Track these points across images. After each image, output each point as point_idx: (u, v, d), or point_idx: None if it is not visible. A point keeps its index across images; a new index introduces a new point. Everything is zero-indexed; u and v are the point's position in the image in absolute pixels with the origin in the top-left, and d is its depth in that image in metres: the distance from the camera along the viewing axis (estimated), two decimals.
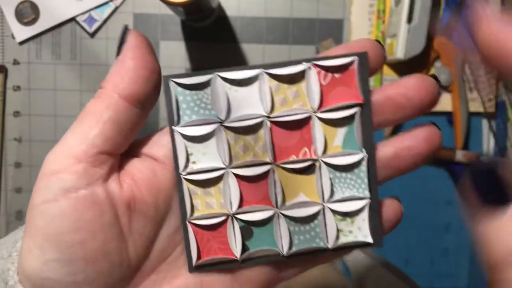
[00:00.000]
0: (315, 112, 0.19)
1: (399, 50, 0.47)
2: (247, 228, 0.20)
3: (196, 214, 0.20)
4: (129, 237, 0.18)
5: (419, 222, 0.54)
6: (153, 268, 0.19)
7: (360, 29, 0.51)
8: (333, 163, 0.19)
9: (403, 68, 0.51)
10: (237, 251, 0.19)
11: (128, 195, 0.18)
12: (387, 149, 0.19)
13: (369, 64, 0.19)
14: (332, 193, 0.19)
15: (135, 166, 0.19)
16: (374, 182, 0.20)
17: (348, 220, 0.20)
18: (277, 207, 0.19)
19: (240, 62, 0.52)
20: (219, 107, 0.19)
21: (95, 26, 0.51)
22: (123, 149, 0.18)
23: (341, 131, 0.19)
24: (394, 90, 0.19)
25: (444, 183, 0.54)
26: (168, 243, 0.20)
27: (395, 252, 0.54)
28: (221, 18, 0.52)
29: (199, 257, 0.19)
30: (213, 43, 0.52)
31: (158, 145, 0.19)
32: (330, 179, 0.19)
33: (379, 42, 0.19)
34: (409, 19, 0.47)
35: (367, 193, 0.19)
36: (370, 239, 0.20)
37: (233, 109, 0.19)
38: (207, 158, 0.19)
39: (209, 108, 0.19)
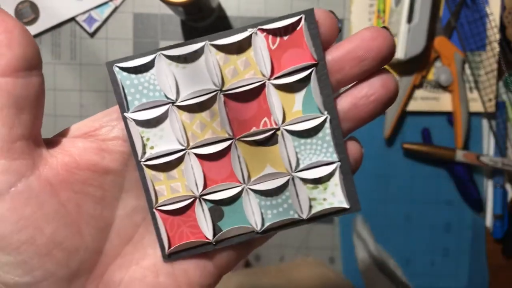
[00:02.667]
0: (268, 79, 0.18)
1: (399, 50, 0.47)
2: (217, 208, 0.19)
3: (161, 200, 0.19)
4: (80, 221, 0.18)
5: (419, 222, 0.54)
6: (117, 251, 0.19)
7: (360, 29, 0.51)
8: (295, 129, 0.18)
9: (403, 68, 0.51)
10: (209, 233, 0.19)
11: (68, 178, 0.17)
12: (345, 100, 0.19)
13: (319, 26, 0.18)
14: (298, 161, 0.19)
15: (78, 147, 0.18)
16: (341, 144, 0.19)
17: (320, 187, 0.19)
18: (244, 182, 0.19)
19: None
20: (167, 87, 0.18)
21: (95, 26, 0.51)
22: (39, 123, 0.17)
23: (299, 96, 0.18)
24: (351, 43, 0.18)
25: (444, 183, 0.54)
26: (127, 224, 0.19)
27: (395, 252, 0.54)
28: (221, 18, 0.52)
29: (170, 244, 0.19)
30: None
31: (108, 126, 0.18)
32: (295, 147, 0.19)
33: (332, 12, 0.18)
34: (409, 19, 0.47)
35: (335, 157, 0.19)
36: (346, 204, 0.19)
37: (183, 87, 0.18)
38: (165, 141, 0.19)
39: (158, 89, 0.18)
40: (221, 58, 0.18)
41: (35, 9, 0.51)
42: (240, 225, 0.19)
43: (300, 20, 0.18)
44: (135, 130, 0.18)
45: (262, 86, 0.18)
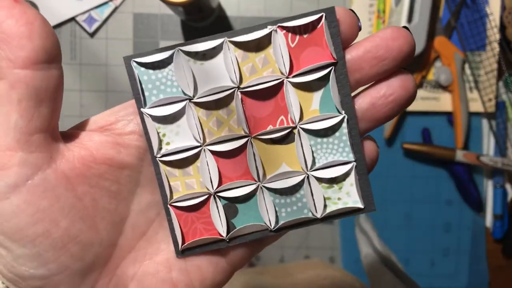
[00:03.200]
0: (287, 77, 0.18)
1: None
2: (231, 206, 0.19)
3: (176, 196, 0.19)
4: (96, 215, 0.18)
5: (419, 222, 0.54)
6: (131, 245, 0.19)
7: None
8: (312, 128, 0.18)
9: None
10: (223, 230, 0.19)
11: (84, 172, 0.17)
12: (363, 100, 0.18)
13: (339, 25, 0.18)
14: (314, 160, 0.18)
15: (94, 141, 0.18)
16: (357, 144, 0.18)
17: (335, 187, 0.19)
18: (259, 180, 0.19)
19: None
20: (185, 83, 0.18)
21: (95, 26, 0.51)
22: (57, 117, 0.17)
23: (317, 94, 0.18)
24: (371, 42, 0.18)
25: (444, 183, 0.54)
26: (142, 219, 0.19)
27: (395, 252, 0.54)
28: (221, 18, 0.52)
29: (184, 240, 0.19)
30: None
31: (125, 120, 0.18)
32: (311, 145, 0.18)
33: (353, 11, 0.18)
34: (409, 19, 0.47)
35: (351, 156, 0.18)
36: (360, 204, 0.19)
37: (201, 84, 0.18)
38: (181, 137, 0.18)
39: (176, 86, 0.18)
40: (239, 55, 0.18)
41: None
42: (254, 223, 0.19)
43: (321, 18, 0.18)
44: (152, 125, 0.18)
45: (281, 84, 0.18)
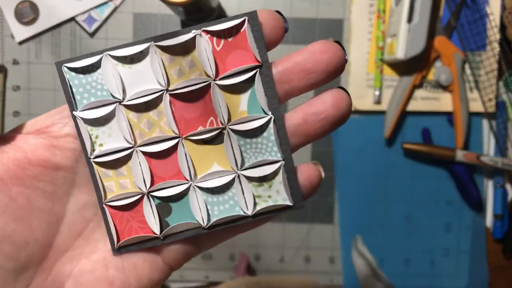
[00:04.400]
0: (213, 80, 0.19)
1: (399, 50, 0.47)
2: (164, 205, 0.20)
3: (110, 196, 0.19)
4: (31, 215, 0.18)
5: (419, 222, 0.54)
6: (68, 244, 0.19)
7: (360, 29, 0.51)
8: (241, 129, 0.19)
9: (403, 68, 0.51)
10: (157, 228, 0.19)
11: (19, 173, 0.18)
12: (295, 115, 0.19)
13: (263, 28, 0.18)
14: (244, 159, 0.19)
15: (29, 144, 0.18)
16: (285, 143, 0.19)
17: (265, 185, 0.19)
18: (191, 180, 0.19)
19: None
20: (113, 86, 0.18)
21: (94, 26, 0.51)
22: None
23: (244, 96, 0.19)
24: (301, 55, 0.18)
25: (444, 183, 0.54)
26: (78, 218, 0.20)
27: (395, 252, 0.54)
28: (221, 18, 0.52)
29: (119, 238, 0.20)
30: None
31: (60, 123, 0.19)
32: (240, 146, 0.19)
33: (279, 12, 0.19)
34: (409, 19, 0.47)
35: (279, 155, 0.19)
36: (289, 202, 0.19)
37: (129, 87, 0.19)
38: (113, 139, 0.19)
39: (106, 89, 0.19)
40: (166, 58, 0.18)
41: (35, 9, 0.51)
42: (187, 221, 0.20)
43: (243, 22, 0.18)
44: (84, 128, 0.19)
45: (208, 87, 0.19)
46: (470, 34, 0.51)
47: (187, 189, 0.19)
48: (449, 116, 0.52)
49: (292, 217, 0.54)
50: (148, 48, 0.18)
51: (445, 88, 0.51)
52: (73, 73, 0.19)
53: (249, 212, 0.19)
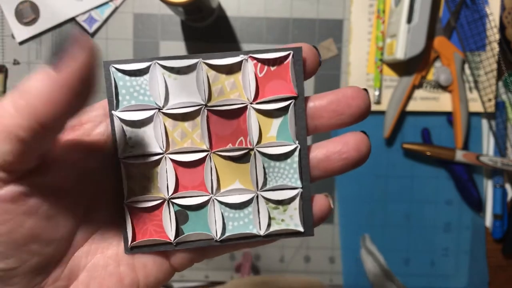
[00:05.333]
0: (251, 103, 0.20)
1: (399, 50, 0.47)
2: (183, 212, 0.20)
3: (133, 197, 0.20)
4: (59, 214, 0.18)
5: (419, 222, 0.54)
6: (85, 239, 0.20)
7: (360, 29, 0.51)
8: (267, 152, 0.20)
9: (403, 68, 0.51)
10: (171, 234, 0.20)
11: (51, 182, 0.18)
12: (320, 151, 0.20)
13: (305, 62, 0.20)
14: (265, 181, 0.20)
15: (65, 152, 0.19)
16: (306, 173, 0.20)
17: (280, 209, 0.20)
18: (212, 193, 0.20)
19: None
20: (157, 93, 0.19)
21: (95, 26, 0.51)
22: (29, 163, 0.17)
23: (275, 122, 0.20)
24: (335, 96, 0.20)
25: (444, 183, 0.54)
26: (98, 217, 0.20)
27: (395, 252, 0.54)
28: (221, 18, 0.52)
29: (134, 239, 0.20)
30: (213, 43, 0.52)
31: (94, 122, 0.20)
32: (264, 168, 0.20)
33: (315, 47, 0.20)
34: (409, 19, 0.47)
35: (299, 183, 0.20)
36: (301, 228, 0.20)
37: (172, 96, 0.19)
38: (146, 143, 0.20)
39: (148, 95, 0.19)
40: (211, 75, 0.19)
41: (35, 9, 0.51)
42: (201, 232, 0.20)
43: (288, 55, 0.20)
44: (120, 128, 0.19)
45: (244, 108, 0.20)
46: (470, 34, 0.51)
47: (207, 201, 0.20)
48: (448, 116, 0.52)
49: None
50: (196, 63, 0.19)
51: (444, 88, 0.51)
52: (120, 74, 0.19)
53: (262, 232, 0.20)
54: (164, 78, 0.19)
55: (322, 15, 0.52)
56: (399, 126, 0.53)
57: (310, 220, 0.20)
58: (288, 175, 0.20)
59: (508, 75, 0.52)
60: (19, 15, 0.51)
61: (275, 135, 0.20)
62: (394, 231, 0.54)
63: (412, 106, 0.52)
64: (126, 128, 0.19)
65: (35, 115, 0.15)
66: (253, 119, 0.20)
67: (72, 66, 0.15)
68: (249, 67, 0.19)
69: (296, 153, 0.20)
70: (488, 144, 0.53)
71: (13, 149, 0.15)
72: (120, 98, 0.19)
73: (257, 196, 0.20)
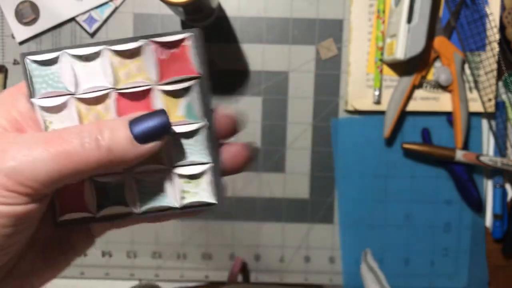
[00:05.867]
0: (155, 84, 0.21)
1: (399, 50, 0.47)
2: (102, 189, 0.22)
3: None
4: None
5: (419, 222, 0.54)
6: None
7: (360, 29, 0.51)
8: (176, 131, 0.21)
9: (403, 68, 0.51)
10: (94, 209, 0.22)
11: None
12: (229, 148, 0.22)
13: (203, 46, 0.21)
14: (177, 158, 0.22)
15: None
16: (214, 148, 0.22)
17: (193, 183, 0.22)
18: (129, 172, 0.21)
19: (240, 62, 0.52)
20: (68, 80, 0.21)
21: (95, 26, 0.51)
22: None
23: (182, 102, 0.21)
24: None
25: (444, 183, 0.54)
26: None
27: (395, 252, 0.54)
28: (221, 18, 0.52)
29: (61, 214, 0.22)
30: (213, 43, 0.52)
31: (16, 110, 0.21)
32: (175, 145, 0.21)
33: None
34: (409, 19, 0.47)
35: (209, 158, 0.22)
36: (213, 200, 0.22)
37: (83, 82, 0.21)
38: (65, 126, 0.21)
39: (62, 81, 0.21)
40: (116, 61, 0.21)
41: (35, 9, 0.51)
42: (121, 206, 0.22)
43: (187, 37, 0.21)
44: (39, 113, 0.21)
45: (149, 90, 0.21)
46: (470, 34, 0.51)
47: (124, 179, 0.21)
48: (448, 116, 0.52)
49: (292, 217, 0.54)
50: (101, 50, 0.21)
51: (444, 88, 0.51)
52: (34, 65, 0.21)
53: (177, 204, 0.22)
54: (74, 66, 0.21)
55: (322, 15, 0.52)
56: (399, 126, 0.53)
57: (221, 192, 0.22)
58: (199, 151, 0.22)
59: (508, 75, 0.52)
60: (19, 15, 0.51)
61: (183, 114, 0.21)
62: (394, 231, 0.54)
63: (412, 106, 0.52)
64: (45, 114, 0.21)
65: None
66: (159, 99, 0.21)
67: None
68: (150, 51, 0.21)
69: (204, 130, 0.21)
70: (488, 144, 0.53)
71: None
72: (37, 86, 0.21)
73: (171, 172, 0.22)
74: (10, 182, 0.17)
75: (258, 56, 0.52)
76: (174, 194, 0.22)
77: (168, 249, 0.54)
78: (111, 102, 0.21)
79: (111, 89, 0.21)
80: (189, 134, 0.22)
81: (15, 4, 0.50)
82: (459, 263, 0.54)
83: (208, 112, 0.22)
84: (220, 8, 0.51)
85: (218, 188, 0.22)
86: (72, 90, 0.21)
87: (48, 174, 0.17)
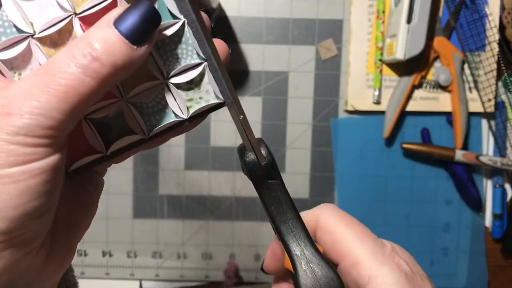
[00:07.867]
0: None
1: (398, 50, 0.47)
2: (103, 124, 0.20)
3: None
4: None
5: (419, 222, 0.54)
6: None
7: (360, 29, 0.51)
8: (157, 39, 0.19)
9: (403, 68, 0.51)
10: (102, 147, 0.20)
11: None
12: None
13: None
14: (169, 67, 0.19)
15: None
16: (204, 44, 0.19)
17: (195, 88, 0.20)
18: (122, 97, 0.19)
19: (240, 62, 0.52)
20: (20, 20, 0.18)
21: None
22: None
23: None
24: None
25: (444, 183, 0.54)
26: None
27: None
28: (221, 18, 0.52)
29: (70, 165, 0.20)
30: None
31: None
32: (161, 55, 0.19)
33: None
34: (409, 19, 0.47)
35: (201, 57, 0.19)
36: (220, 99, 0.20)
37: (37, 19, 0.18)
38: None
39: (14, 25, 0.18)
40: None
41: None
42: (128, 136, 0.20)
43: None
44: (5, 69, 0.18)
45: (114, 3, 0.18)
46: (469, 35, 0.51)
47: (121, 106, 0.19)
48: (448, 116, 0.52)
49: None
50: None
51: (444, 88, 0.52)
52: None
53: (185, 116, 0.20)
54: (20, 3, 0.17)
55: (322, 15, 0.52)
56: (398, 126, 0.53)
57: (225, 89, 0.20)
58: (189, 54, 0.19)
59: (507, 75, 0.52)
60: None
61: None
62: (394, 231, 0.54)
63: (411, 106, 0.52)
64: (12, 68, 0.18)
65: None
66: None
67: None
68: None
69: (186, 28, 0.19)
70: (487, 144, 0.53)
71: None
72: None
73: (167, 85, 0.20)
74: (28, 138, 0.16)
75: (258, 56, 0.52)
76: (178, 107, 0.20)
77: (168, 249, 0.54)
78: (77, 30, 0.18)
79: (71, 15, 0.18)
80: (172, 38, 0.19)
81: None
82: (459, 263, 0.54)
83: (183, 6, 0.18)
84: (220, 8, 0.51)
85: (221, 85, 0.19)
86: (29, 30, 0.18)
87: (61, 116, 0.16)
